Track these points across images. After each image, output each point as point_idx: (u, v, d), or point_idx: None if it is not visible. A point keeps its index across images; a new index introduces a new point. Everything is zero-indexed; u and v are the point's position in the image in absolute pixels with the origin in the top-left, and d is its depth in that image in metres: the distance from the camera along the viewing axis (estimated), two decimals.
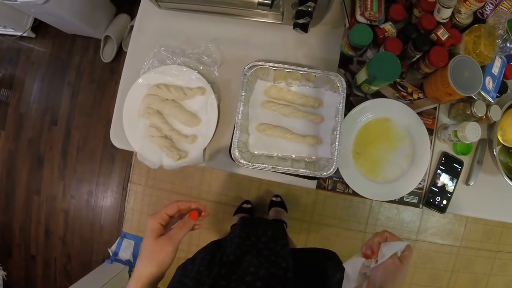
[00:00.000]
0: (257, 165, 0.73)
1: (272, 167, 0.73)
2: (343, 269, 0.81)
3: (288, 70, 0.75)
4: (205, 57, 0.80)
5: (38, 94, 1.65)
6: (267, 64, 0.75)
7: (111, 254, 1.54)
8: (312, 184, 0.79)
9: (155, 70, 0.80)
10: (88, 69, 1.61)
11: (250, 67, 0.75)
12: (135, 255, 1.56)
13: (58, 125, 1.62)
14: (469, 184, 0.82)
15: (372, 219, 1.63)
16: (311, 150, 0.77)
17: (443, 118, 0.83)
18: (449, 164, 0.81)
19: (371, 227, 1.64)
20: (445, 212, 0.80)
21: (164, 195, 1.58)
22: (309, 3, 0.65)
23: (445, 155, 0.81)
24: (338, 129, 0.73)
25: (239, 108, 0.74)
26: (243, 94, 0.75)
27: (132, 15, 1.62)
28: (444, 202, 0.80)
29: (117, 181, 1.61)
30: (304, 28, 0.77)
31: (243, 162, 0.73)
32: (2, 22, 1.53)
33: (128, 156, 1.58)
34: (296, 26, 0.76)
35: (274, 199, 1.53)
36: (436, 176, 0.81)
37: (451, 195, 0.81)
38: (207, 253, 0.70)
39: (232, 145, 0.74)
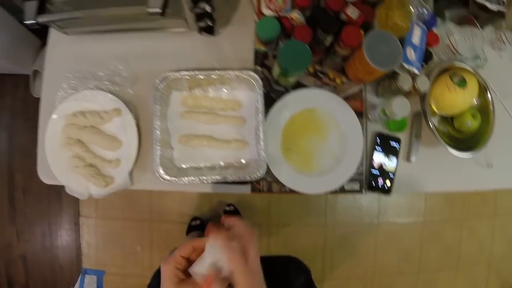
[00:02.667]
0: (184, 179, 0.71)
1: (199, 179, 0.71)
2: (306, 272, 0.78)
3: (201, 77, 0.72)
4: (117, 77, 0.77)
5: None
6: (178, 73, 0.73)
7: None
8: (246, 189, 0.76)
9: (69, 99, 0.77)
10: (21, 108, 1.57)
11: (161, 79, 0.73)
12: None
13: (1, 171, 1.58)
14: (410, 160, 0.79)
15: (330, 210, 1.60)
16: (238, 154, 0.75)
17: (372, 98, 0.80)
18: (385, 143, 0.78)
19: (330, 218, 1.61)
20: (391, 193, 0.77)
21: (117, 223, 1.55)
22: (201, 4, 0.62)
23: (379, 135, 0.78)
24: (261, 128, 0.71)
25: (155, 123, 0.72)
26: (158, 108, 0.72)
27: None
28: (388, 183, 0.77)
29: (67, 218, 1.57)
30: (209, 31, 0.75)
31: (167, 178, 0.71)
32: None
33: None
34: (201, 30, 0.73)
35: (227, 208, 1.50)
36: (373, 158, 0.78)
37: (394, 175, 0.78)
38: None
39: (154, 162, 0.71)
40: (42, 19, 0.68)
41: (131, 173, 0.76)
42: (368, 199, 1.66)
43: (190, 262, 0.41)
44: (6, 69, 1.49)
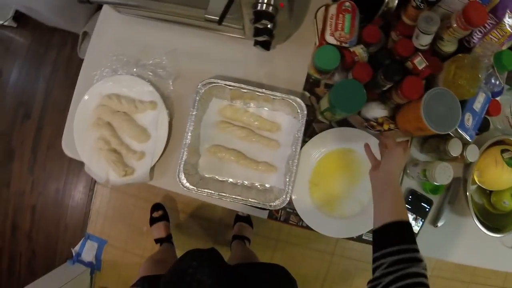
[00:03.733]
0: (203, 190, 0.69)
1: (218, 194, 0.69)
2: (292, 284, 0.76)
3: (245, 90, 0.69)
4: (160, 70, 0.75)
5: (14, 85, 1.61)
6: (222, 82, 0.70)
7: (73, 255, 1.53)
8: (264, 214, 0.74)
9: (108, 79, 0.75)
10: (64, 65, 1.56)
11: (204, 84, 0.70)
12: (97, 257, 1.54)
13: (31, 119, 1.58)
14: (437, 226, 0.75)
15: (341, 242, 1.57)
16: (264, 177, 0.72)
17: (415, 153, 0.76)
18: (416, 203, 0.75)
19: (339, 250, 1.58)
20: None
21: (130, 200, 1.55)
22: (264, 21, 0.59)
23: (412, 193, 0.75)
24: (294, 159, 0.68)
25: (188, 127, 0.70)
26: (194, 113, 0.70)
27: None
28: None
29: (84, 181, 1.58)
30: (265, 45, 0.71)
31: (188, 186, 0.69)
32: None
33: None
34: (256, 43, 0.70)
35: (240, 213, 1.48)
36: None
37: (416, 236, 0.74)
38: None
39: (178, 167, 0.69)
40: None
41: (152, 169, 0.74)
42: None
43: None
44: (58, 24, 1.49)
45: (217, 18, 0.58)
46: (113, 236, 1.55)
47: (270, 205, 0.68)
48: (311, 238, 1.56)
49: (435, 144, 0.72)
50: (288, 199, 0.68)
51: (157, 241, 1.35)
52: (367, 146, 0.67)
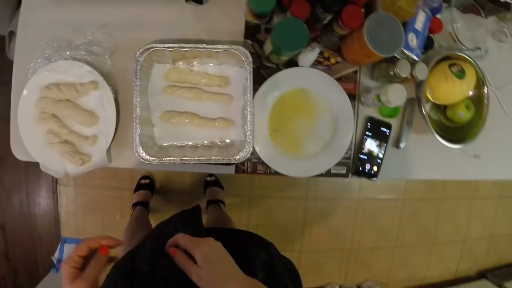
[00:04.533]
0: (165, 159, 0.67)
1: (181, 160, 0.67)
2: (267, 248, 0.76)
3: (185, 50, 0.67)
4: (95, 47, 0.71)
5: None
6: (160, 45, 0.67)
7: (55, 262, 1.50)
8: (230, 169, 0.74)
9: (42, 70, 0.71)
10: None
11: (142, 51, 0.67)
12: None
13: None
14: (399, 147, 0.77)
15: (312, 184, 1.61)
16: (223, 133, 0.71)
17: (366, 81, 0.77)
18: (376, 128, 0.76)
19: (312, 192, 1.62)
20: (376, 178, 0.76)
21: (96, 192, 1.52)
22: None
23: (370, 120, 0.76)
24: (248, 108, 0.67)
25: (135, 99, 0.67)
26: (138, 83, 0.67)
27: None
28: (375, 168, 0.76)
29: (45, 185, 1.53)
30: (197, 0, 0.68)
31: (148, 158, 0.67)
32: None
33: None
34: None
35: (208, 178, 1.48)
36: (363, 143, 0.76)
37: (382, 161, 0.76)
38: (121, 266, 0.65)
39: (134, 141, 0.67)
40: None
41: (108, 150, 0.72)
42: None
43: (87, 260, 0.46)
44: None
45: None
46: (88, 233, 1.53)
47: (235, 159, 0.67)
48: (282, 187, 1.60)
49: (384, 69, 0.73)
50: (251, 149, 0.67)
51: (134, 205, 1.36)
52: (178, 254, 0.46)
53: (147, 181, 1.47)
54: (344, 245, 1.70)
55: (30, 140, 0.72)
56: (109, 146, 0.71)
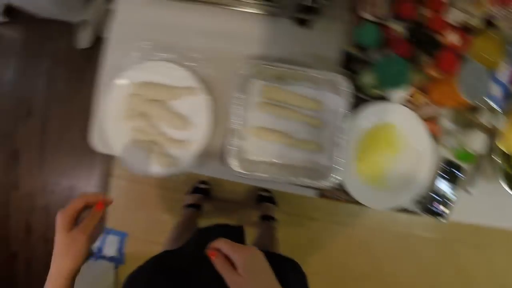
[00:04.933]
0: (256, 174, 0.68)
1: (271, 177, 0.68)
2: (303, 277, 0.77)
3: (286, 70, 0.69)
4: (196, 54, 0.72)
5: (10, 84, 1.49)
6: (264, 63, 0.68)
7: (95, 251, 1.48)
8: (313, 193, 0.75)
9: (139, 67, 0.71)
10: (64, 56, 1.47)
11: (245, 65, 0.69)
12: (120, 251, 1.50)
13: (34, 116, 1.48)
14: (469, 191, 0.80)
15: (363, 213, 1.62)
16: (311, 156, 0.72)
17: (447, 124, 0.80)
18: (450, 170, 0.78)
19: (361, 221, 1.63)
20: (446, 219, 0.78)
21: (148, 189, 1.51)
22: (324, 1, 0.58)
23: (446, 161, 0.78)
24: (341, 135, 0.69)
25: (234, 111, 0.68)
26: (238, 96, 0.68)
27: None
28: (444, 209, 0.78)
29: (99, 175, 1.51)
30: (305, 23, 0.70)
31: (241, 171, 0.67)
32: None
33: None
34: (297, 21, 0.69)
35: (262, 193, 1.48)
36: (436, 183, 0.78)
37: (452, 202, 0.79)
38: (160, 262, 0.65)
39: (228, 152, 0.67)
40: None
41: (196, 157, 0.72)
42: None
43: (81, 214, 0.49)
44: (52, 14, 1.39)
45: None
46: (133, 228, 1.51)
47: (324, 184, 0.68)
48: (332, 211, 1.60)
49: (467, 114, 0.76)
50: (339, 176, 0.69)
51: (186, 207, 1.36)
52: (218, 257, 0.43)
53: (205, 186, 1.47)
54: (382, 276, 1.69)
55: (115, 134, 0.72)
56: (198, 153, 0.71)
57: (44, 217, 1.52)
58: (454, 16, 0.70)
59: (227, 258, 0.42)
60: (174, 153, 0.71)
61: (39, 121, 1.49)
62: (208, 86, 0.73)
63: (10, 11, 1.47)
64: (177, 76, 0.71)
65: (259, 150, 0.72)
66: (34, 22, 1.47)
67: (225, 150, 0.68)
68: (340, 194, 0.75)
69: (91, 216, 0.49)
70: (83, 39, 1.44)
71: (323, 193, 0.75)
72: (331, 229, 1.61)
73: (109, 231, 1.51)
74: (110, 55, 0.75)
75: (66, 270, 0.46)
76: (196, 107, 0.71)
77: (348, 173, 0.73)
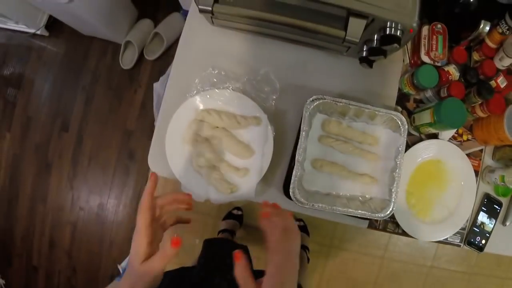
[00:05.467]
0: (317, 205, 0.70)
1: (330, 208, 0.71)
2: None
3: (351, 106, 0.72)
4: (263, 85, 0.74)
5: (49, 96, 1.48)
6: (330, 98, 0.71)
7: (121, 271, 1.43)
8: (364, 223, 0.78)
9: (205, 93, 0.73)
10: (105, 75, 1.47)
11: (313, 100, 0.71)
12: None
13: (70, 131, 1.47)
14: (505, 224, 0.84)
15: (391, 245, 1.66)
16: (365, 189, 0.76)
17: (488, 160, 0.85)
18: (490, 205, 0.83)
19: (389, 253, 1.66)
20: (483, 251, 0.83)
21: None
22: (395, 45, 0.62)
23: (487, 196, 0.83)
24: (398, 170, 0.72)
25: (300, 143, 0.70)
26: (305, 128, 0.71)
27: (155, 20, 1.50)
28: (483, 241, 0.83)
29: (131, 195, 1.50)
30: (370, 63, 0.74)
31: (303, 201, 0.70)
32: (15, 18, 1.38)
33: (144, 169, 1.48)
34: (363, 61, 0.72)
35: (297, 223, 1.50)
36: (477, 217, 0.82)
37: (489, 235, 0.83)
38: (175, 275, 0.67)
39: (292, 184, 0.70)
40: (218, 9, 0.64)
41: (256, 185, 0.74)
42: (428, 241, 1.68)
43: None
44: (98, 33, 1.40)
45: (357, 40, 0.60)
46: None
47: (378, 216, 0.71)
48: (362, 242, 1.63)
49: (507, 153, 0.81)
50: (392, 207, 0.72)
51: (220, 232, 1.38)
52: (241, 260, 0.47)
53: (239, 212, 1.48)
54: None
55: (175, 158, 0.73)
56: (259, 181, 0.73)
57: (69, 233, 1.50)
58: (504, 62, 0.75)
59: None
60: (234, 180, 0.73)
61: (74, 136, 1.49)
62: (271, 116, 0.75)
63: (52, 25, 1.48)
64: (243, 105, 0.73)
65: (316, 181, 0.74)
66: (76, 38, 1.48)
67: (285, 179, 0.71)
68: (390, 225, 0.79)
69: (162, 257, 0.46)
70: (126, 60, 1.43)
71: (373, 224, 0.78)
72: (360, 259, 1.63)
73: None
74: (175, 78, 0.76)
75: None
76: (259, 137, 0.73)
77: (400, 205, 0.76)
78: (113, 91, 1.38)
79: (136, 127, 1.36)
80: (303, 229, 1.50)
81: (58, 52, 1.51)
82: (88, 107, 1.49)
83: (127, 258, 1.48)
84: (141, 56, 1.49)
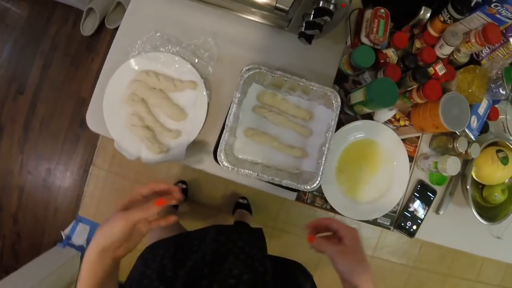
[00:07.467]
0: (242, 170, 0.71)
1: (257, 175, 0.72)
2: (311, 278, 0.82)
3: (286, 79, 0.73)
4: (202, 51, 0.76)
5: (7, 59, 1.50)
6: (266, 69, 0.73)
7: (63, 238, 1.46)
8: (292, 195, 0.79)
9: (146, 55, 0.75)
10: (64, 41, 1.49)
11: (248, 69, 0.73)
12: (89, 241, 1.47)
13: (24, 95, 1.49)
14: (439, 213, 0.85)
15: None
16: (295, 162, 0.77)
17: (424, 147, 0.86)
18: (423, 192, 0.84)
19: None
20: (414, 237, 0.84)
21: (126, 183, 1.51)
22: (325, 17, 0.63)
23: (421, 183, 0.84)
24: (327, 145, 0.73)
25: (231, 109, 0.72)
26: (237, 95, 0.72)
27: None
28: (414, 227, 0.83)
29: (79, 162, 1.52)
30: (309, 39, 0.75)
31: (228, 165, 0.71)
32: None
33: (93, 138, 1.49)
34: (301, 36, 0.74)
35: (240, 200, 1.52)
36: (410, 202, 0.83)
37: (421, 222, 0.84)
38: (170, 245, 0.67)
39: (220, 147, 0.71)
40: None
41: (186, 148, 0.75)
42: (370, 231, 1.72)
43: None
44: None
45: (286, 8, 0.61)
46: None
47: (304, 187, 0.72)
48: (303, 226, 1.62)
49: (444, 141, 0.82)
50: (320, 182, 0.73)
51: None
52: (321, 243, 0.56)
53: (183, 185, 1.49)
54: None
55: (112, 116, 0.75)
56: (189, 144, 0.74)
57: (16, 197, 1.51)
58: (444, 50, 0.76)
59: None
60: (166, 141, 0.75)
61: (28, 101, 1.50)
62: (209, 83, 0.77)
63: None
64: (181, 69, 0.75)
65: (248, 149, 0.75)
66: (41, 1, 1.49)
67: (215, 144, 0.72)
68: (318, 200, 0.80)
69: (144, 208, 0.47)
70: (87, 27, 1.45)
71: (301, 198, 0.79)
72: (303, 243, 1.62)
73: (81, 220, 1.50)
74: (119, 40, 0.78)
75: (95, 243, 0.45)
76: (194, 101, 0.75)
77: (329, 181, 0.77)
78: (70, 58, 1.40)
79: (90, 96, 1.35)
80: (246, 207, 1.51)
81: (21, 15, 1.52)
82: (44, 73, 1.49)
83: (71, 225, 1.48)
84: (102, 24, 1.49)
